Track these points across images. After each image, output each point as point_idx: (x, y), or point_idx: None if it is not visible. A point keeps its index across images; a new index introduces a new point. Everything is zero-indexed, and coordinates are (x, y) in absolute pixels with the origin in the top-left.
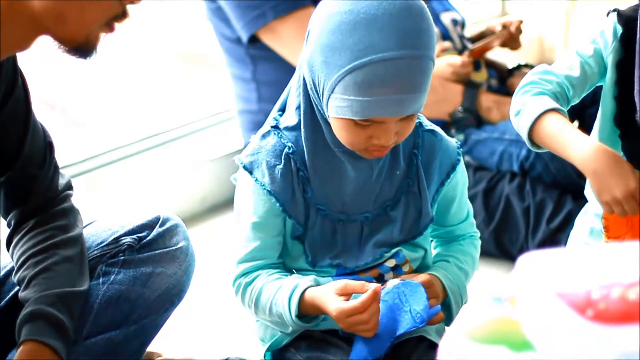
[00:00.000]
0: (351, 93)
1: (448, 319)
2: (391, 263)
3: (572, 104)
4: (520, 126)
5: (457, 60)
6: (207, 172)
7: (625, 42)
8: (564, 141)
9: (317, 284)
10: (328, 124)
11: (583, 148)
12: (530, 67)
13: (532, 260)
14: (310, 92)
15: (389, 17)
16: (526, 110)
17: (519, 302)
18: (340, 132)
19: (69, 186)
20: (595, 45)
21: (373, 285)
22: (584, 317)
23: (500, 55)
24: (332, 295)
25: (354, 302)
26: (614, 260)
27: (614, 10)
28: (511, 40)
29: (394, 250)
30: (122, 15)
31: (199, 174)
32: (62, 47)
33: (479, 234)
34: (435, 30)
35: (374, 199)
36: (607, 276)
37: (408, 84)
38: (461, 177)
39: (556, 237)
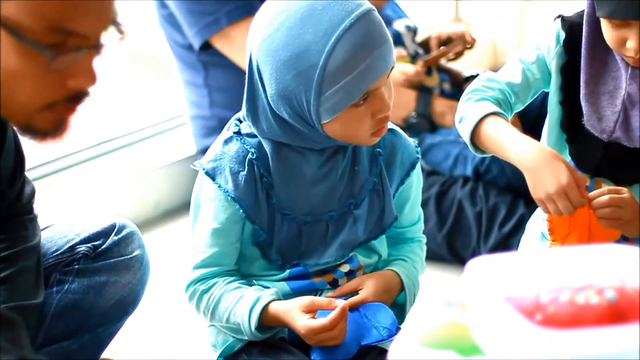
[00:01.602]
0: (339, 78)
1: (401, 317)
2: (345, 268)
3: (516, 110)
4: (463, 131)
5: (410, 69)
6: (161, 177)
7: (568, 47)
8: (503, 141)
9: (279, 297)
10: (291, 128)
11: (521, 146)
12: None
13: (481, 264)
14: (291, 119)
15: None
16: (468, 115)
17: (468, 306)
18: (343, 129)
19: (33, 193)
20: (538, 51)
21: (341, 302)
22: (533, 321)
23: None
24: (298, 313)
25: (322, 320)
26: (563, 264)
27: (559, 16)
28: (461, 52)
29: (348, 256)
30: (81, 96)
31: (152, 179)
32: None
33: (425, 240)
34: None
35: (339, 198)
36: (556, 280)
37: (376, 36)
38: (417, 177)
39: (508, 241)
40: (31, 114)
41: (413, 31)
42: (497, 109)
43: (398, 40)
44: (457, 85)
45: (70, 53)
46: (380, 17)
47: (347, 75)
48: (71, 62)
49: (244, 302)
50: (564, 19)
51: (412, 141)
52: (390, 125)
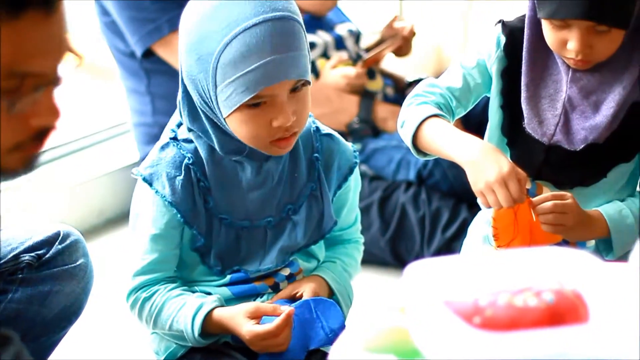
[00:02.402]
0: (231, 73)
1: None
2: (286, 272)
3: (458, 115)
4: (405, 135)
5: (351, 71)
6: (104, 185)
7: (508, 52)
8: (443, 141)
9: (222, 304)
10: (223, 133)
11: (461, 143)
12: None
13: (420, 268)
14: (200, 106)
15: None
16: (409, 119)
17: (407, 310)
18: (241, 128)
19: None
20: (479, 56)
21: (286, 308)
22: (472, 324)
23: (399, 66)
24: (243, 319)
25: (267, 327)
26: (501, 267)
27: (500, 21)
28: (404, 45)
29: (288, 261)
30: (47, 131)
31: (95, 187)
32: None
33: (362, 239)
34: (330, 39)
35: (276, 204)
36: (494, 283)
37: (279, 44)
38: (355, 181)
39: (452, 245)
40: (5, 158)
41: (356, 35)
42: (437, 111)
43: (340, 44)
44: (400, 90)
45: (29, 94)
46: (292, 28)
47: (238, 72)
48: (31, 103)
49: (186, 309)
50: (504, 24)
51: (350, 146)
52: (328, 130)
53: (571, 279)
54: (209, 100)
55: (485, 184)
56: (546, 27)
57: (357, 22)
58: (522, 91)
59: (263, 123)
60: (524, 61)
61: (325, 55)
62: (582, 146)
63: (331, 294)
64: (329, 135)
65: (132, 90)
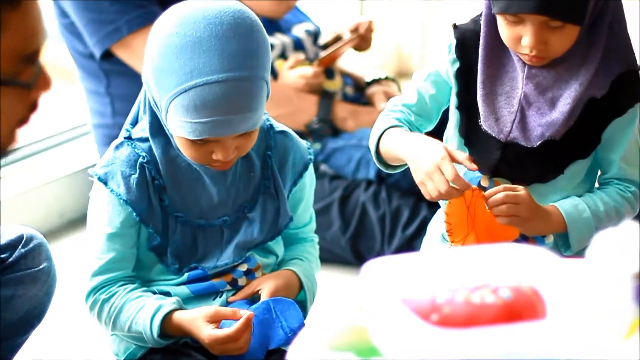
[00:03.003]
0: (181, 115)
1: (303, 314)
2: (244, 268)
3: (425, 128)
4: (372, 153)
5: (308, 71)
6: (65, 186)
7: (460, 53)
8: (395, 145)
9: (181, 306)
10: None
11: (408, 142)
12: (391, 79)
13: (377, 267)
14: (153, 107)
15: (215, 39)
16: (372, 135)
17: (365, 308)
18: (181, 148)
19: None
20: (432, 68)
21: (245, 312)
22: (429, 322)
23: (359, 65)
24: (202, 323)
25: (227, 331)
26: (459, 264)
27: (453, 24)
28: (363, 42)
29: (245, 256)
30: (32, 108)
31: (56, 188)
32: None
33: (317, 239)
34: (288, 41)
35: (232, 203)
36: (452, 280)
37: (236, 106)
38: (310, 178)
39: (412, 243)
40: (9, 136)
41: (314, 35)
42: (396, 122)
43: (299, 45)
44: (360, 89)
45: (34, 70)
46: (256, 89)
47: (186, 118)
48: (37, 76)
49: (145, 311)
50: (455, 27)
51: (304, 143)
52: (281, 127)
53: (528, 275)
54: (159, 112)
55: (422, 173)
56: (501, 24)
57: (317, 21)
58: (478, 89)
59: (204, 153)
60: (480, 59)
61: (283, 56)
62: (539, 143)
63: (300, 288)
64: (282, 132)
65: (92, 91)
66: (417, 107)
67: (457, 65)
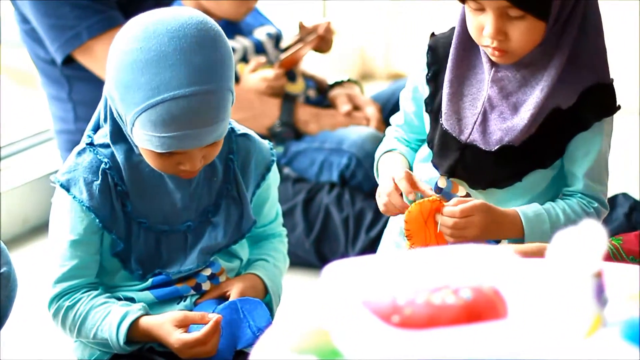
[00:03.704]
0: (149, 130)
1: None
2: (207, 272)
3: (423, 142)
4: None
5: (270, 73)
6: (27, 193)
7: (433, 59)
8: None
9: (147, 312)
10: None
11: (380, 169)
12: (354, 82)
13: (338, 269)
14: (117, 118)
15: (180, 53)
16: (375, 157)
17: (327, 311)
18: (147, 159)
19: None
20: (410, 85)
21: (214, 316)
22: (390, 323)
23: (321, 68)
24: (171, 327)
25: (196, 335)
26: (419, 266)
27: (432, 33)
28: (323, 43)
29: (209, 261)
30: None
31: (18, 195)
32: None
33: (285, 232)
34: (249, 44)
35: (195, 208)
36: (412, 282)
37: (204, 119)
38: (274, 178)
39: (376, 245)
40: None
41: (275, 38)
42: (391, 146)
43: (260, 48)
44: (322, 92)
45: None
46: (222, 101)
47: (154, 133)
48: None
49: (111, 318)
50: (432, 35)
51: (267, 144)
52: (243, 130)
53: (489, 275)
54: (124, 125)
55: (377, 193)
56: (468, 14)
57: (278, 23)
58: (445, 87)
59: (170, 163)
60: (450, 57)
61: (244, 59)
62: (497, 147)
63: (266, 292)
64: (244, 135)
65: (54, 97)
66: (406, 126)
67: (430, 71)
